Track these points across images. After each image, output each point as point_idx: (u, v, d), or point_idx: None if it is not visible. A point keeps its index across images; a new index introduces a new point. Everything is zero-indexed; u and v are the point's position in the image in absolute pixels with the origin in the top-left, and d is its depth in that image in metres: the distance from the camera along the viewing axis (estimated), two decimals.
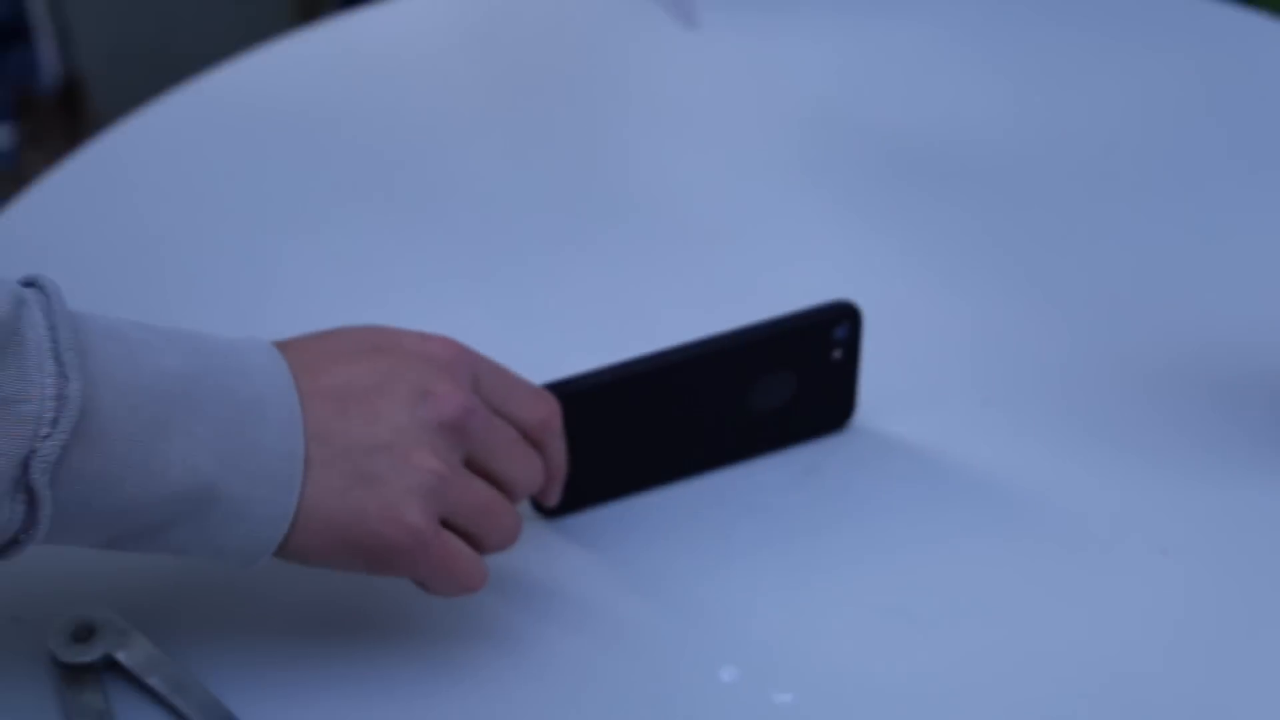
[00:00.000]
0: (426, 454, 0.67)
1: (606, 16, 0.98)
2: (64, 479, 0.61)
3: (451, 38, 1.08)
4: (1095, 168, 0.98)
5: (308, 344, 0.70)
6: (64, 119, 2.43)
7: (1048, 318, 0.89)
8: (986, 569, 0.78)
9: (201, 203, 0.96)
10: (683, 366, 0.78)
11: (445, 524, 0.68)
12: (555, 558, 0.79)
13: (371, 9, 1.11)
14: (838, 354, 0.81)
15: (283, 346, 0.68)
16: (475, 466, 0.70)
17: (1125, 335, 0.88)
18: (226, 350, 0.66)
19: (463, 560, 0.69)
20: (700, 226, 0.94)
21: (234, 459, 0.64)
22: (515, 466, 0.71)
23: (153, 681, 0.72)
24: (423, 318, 0.73)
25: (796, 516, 0.80)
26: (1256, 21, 1.08)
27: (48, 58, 2.43)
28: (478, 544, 0.70)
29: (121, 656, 0.73)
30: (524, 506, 0.75)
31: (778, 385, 0.81)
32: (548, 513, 0.79)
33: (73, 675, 0.72)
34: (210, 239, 0.93)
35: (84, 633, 0.73)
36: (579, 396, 0.75)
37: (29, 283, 0.63)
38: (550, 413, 0.73)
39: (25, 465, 0.60)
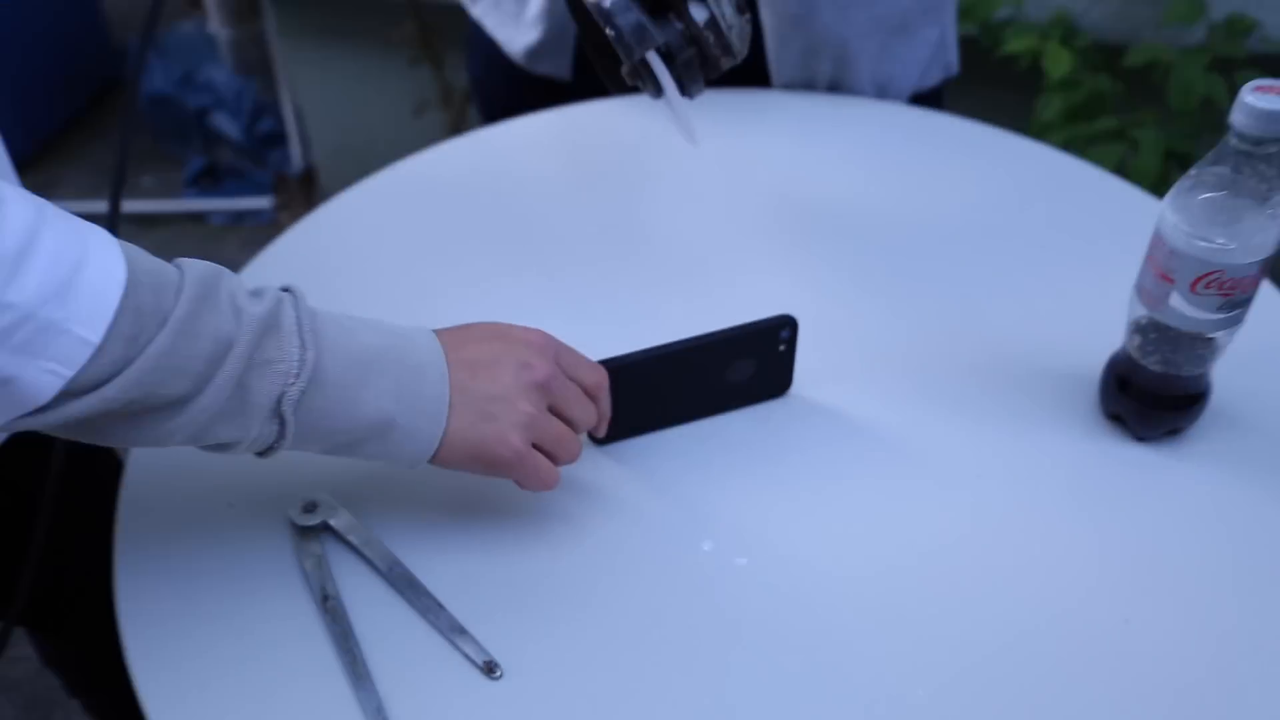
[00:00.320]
0: (524, 403, 0.69)
1: (641, 131, 1.00)
2: (301, 410, 0.64)
3: (545, 142, 1.07)
4: (944, 230, 0.98)
5: (454, 332, 0.71)
6: (304, 193, 2.43)
7: (913, 326, 0.90)
8: (873, 481, 0.80)
9: (388, 244, 0.97)
10: (685, 352, 0.80)
11: (534, 446, 0.70)
12: (601, 469, 0.80)
13: (496, 127, 1.12)
14: (782, 348, 0.83)
15: (438, 333, 0.71)
16: (554, 411, 0.72)
17: (961, 339, 0.89)
18: (403, 333, 0.69)
19: (544, 469, 0.71)
20: (699, 264, 0.94)
21: (406, 402, 0.67)
22: (579, 412, 0.73)
23: (351, 539, 0.75)
24: (527, 317, 0.75)
25: (754, 447, 0.82)
26: (1035, 147, 1.09)
27: (295, 154, 2.44)
28: (554, 459, 0.72)
29: (333, 522, 0.76)
30: (583, 438, 0.76)
31: (744, 367, 0.82)
32: (598, 442, 0.82)
33: (302, 534, 0.75)
34: (395, 268, 0.94)
35: (310, 507, 0.76)
36: (620, 369, 0.77)
37: (285, 289, 0.66)
38: (601, 379, 0.75)
39: (279, 401, 0.63)
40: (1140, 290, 0.77)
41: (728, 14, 0.82)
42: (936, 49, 1.16)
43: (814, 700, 0.67)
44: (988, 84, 1.66)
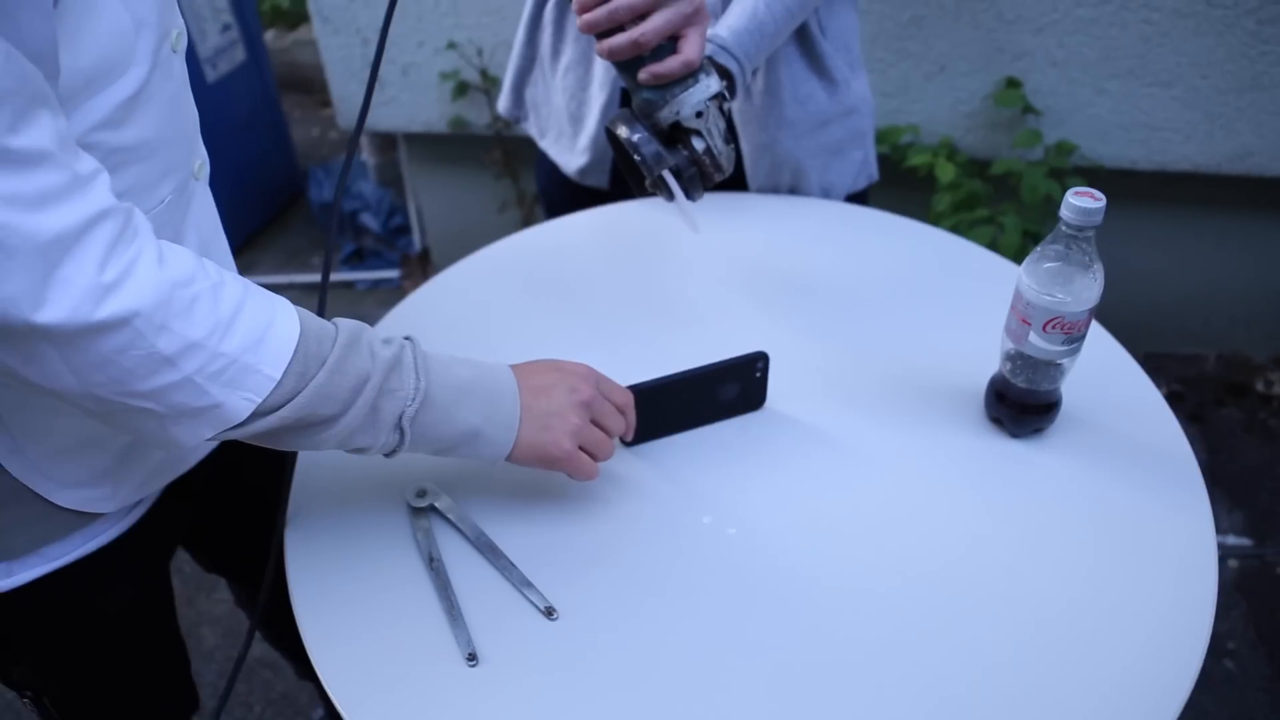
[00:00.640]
0: (573, 416, 0.68)
1: (658, 224, 0.98)
2: (415, 425, 0.63)
3: (590, 232, 1.07)
4: (872, 289, 0.96)
5: (524, 366, 0.70)
6: (421, 267, 2.44)
7: (851, 358, 0.86)
8: (824, 469, 0.77)
9: (481, 304, 0.96)
10: (688, 379, 0.78)
11: (581, 448, 0.69)
12: (629, 464, 0.78)
13: (556, 222, 1.10)
14: (758, 375, 0.81)
15: (513, 367, 0.69)
16: (595, 422, 0.70)
17: (885, 366, 0.86)
18: (488, 368, 0.67)
19: (588, 465, 0.69)
20: (698, 316, 0.91)
21: (489, 417, 0.66)
22: (613, 423, 0.71)
23: (450, 516, 0.73)
24: (576, 354, 0.73)
25: (739, 447, 0.80)
26: (933, 230, 1.07)
27: (416, 240, 2.45)
28: (595, 458, 0.70)
29: (437, 504, 0.74)
30: (616, 441, 0.75)
31: (730, 389, 0.80)
32: (627, 444, 0.79)
33: (415, 513, 0.73)
34: (486, 321, 0.93)
35: (421, 493, 0.74)
36: (642, 392, 0.75)
37: (407, 337, 0.65)
38: (629, 399, 0.73)
39: (400, 418, 0.62)
40: (1008, 330, 0.76)
41: (719, 144, 0.84)
42: (862, 164, 1.16)
43: (781, 624, 0.66)
44: (899, 186, 1.65)
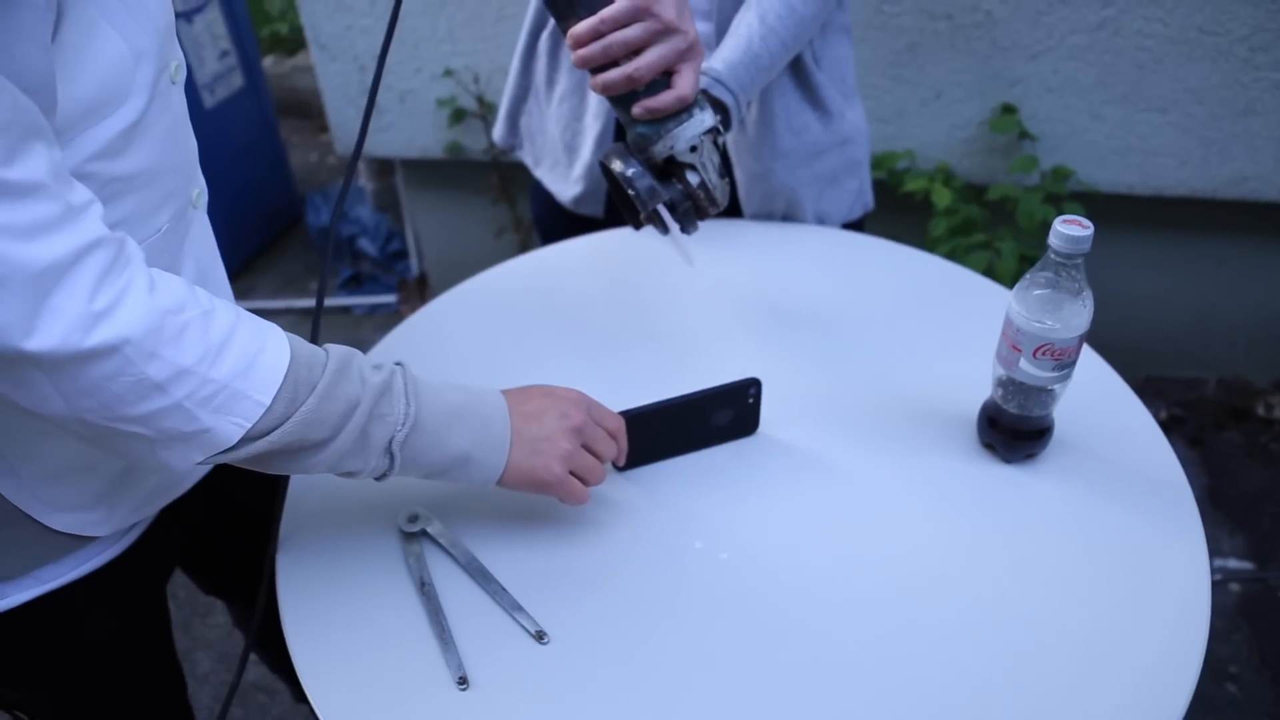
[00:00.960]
0: (564, 442, 0.68)
1: (650, 250, 0.99)
2: (405, 449, 0.63)
3: (584, 259, 1.08)
4: (866, 316, 0.96)
5: (515, 391, 0.71)
6: (418, 292, 2.45)
7: (845, 384, 0.87)
8: (817, 494, 0.78)
9: (476, 330, 0.97)
10: (680, 405, 0.78)
11: (571, 473, 0.69)
12: (621, 489, 0.79)
13: (551, 248, 1.11)
14: (750, 400, 0.81)
15: (505, 392, 0.70)
16: (586, 447, 0.70)
17: (879, 392, 0.86)
18: (479, 393, 0.68)
19: (579, 490, 0.70)
20: (691, 342, 0.92)
21: (479, 442, 0.66)
22: (604, 448, 0.71)
23: (441, 541, 0.74)
24: (569, 380, 0.74)
25: (731, 472, 0.80)
26: (928, 257, 1.07)
27: (413, 265, 2.46)
28: (585, 482, 0.70)
29: (429, 529, 0.74)
30: (608, 466, 0.76)
31: (723, 414, 0.81)
32: (619, 469, 0.80)
33: (406, 537, 0.74)
34: (481, 346, 0.93)
35: (413, 518, 0.75)
36: (633, 417, 0.76)
37: (398, 363, 0.66)
38: (620, 425, 0.74)
39: (390, 443, 0.63)
40: (999, 356, 0.77)
41: (713, 178, 0.84)
42: (857, 194, 1.17)
43: (772, 650, 0.66)
44: (895, 211, 1.67)
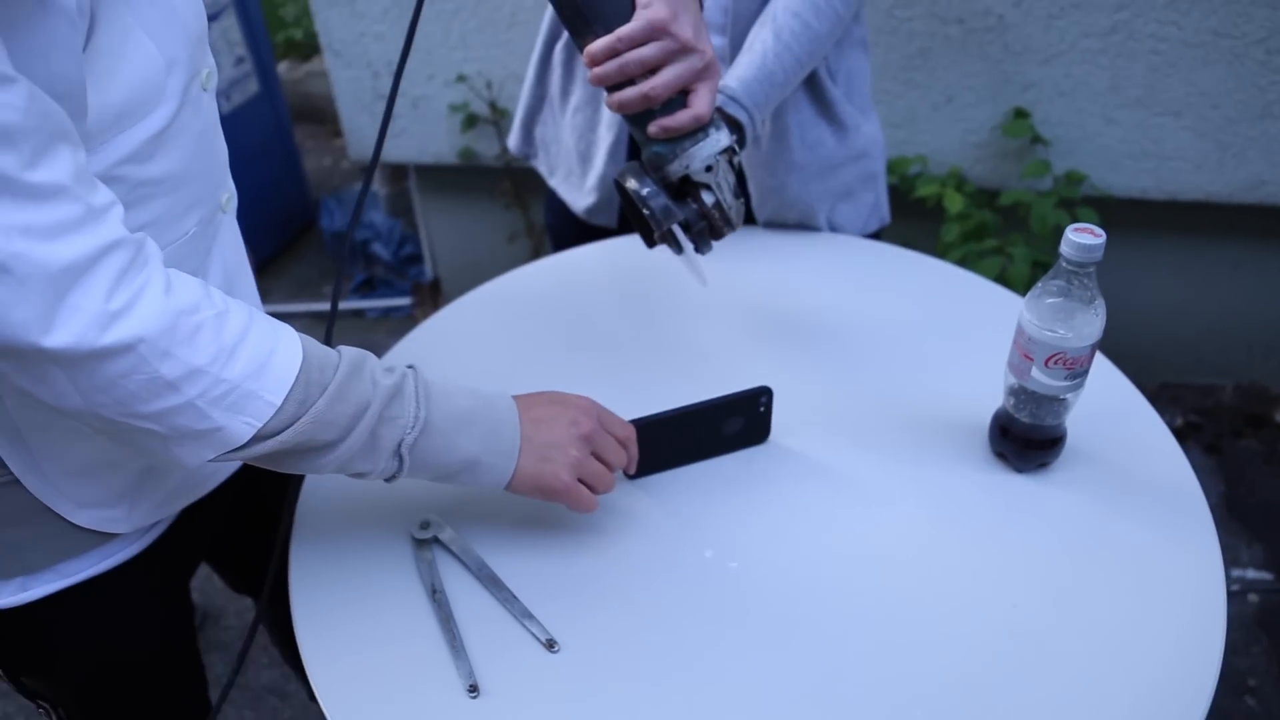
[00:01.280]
0: (573, 449, 0.69)
1: (662, 258, 0.99)
2: (414, 452, 0.64)
3: (596, 266, 1.08)
4: (878, 324, 0.96)
5: (526, 397, 0.71)
6: (432, 296, 2.46)
7: (856, 393, 0.87)
8: (828, 504, 0.77)
9: (489, 334, 0.97)
10: (691, 413, 0.79)
11: (580, 480, 0.69)
12: (632, 497, 0.79)
13: (564, 254, 1.12)
14: (762, 409, 0.81)
15: (516, 397, 0.70)
16: (596, 455, 0.71)
17: (890, 401, 0.86)
18: (490, 397, 0.68)
19: (587, 497, 0.70)
20: (703, 349, 0.92)
21: (488, 447, 0.66)
22: (613, 456, 0.72)
23: (453, 548, 0.74)
24: (579, 386, 0.74)
25: (742, 481, 0.80)
26: (940, 264, 1.07)
27: (427, 269, 2.47)
28: (594, 490, 0.70)
29: (441, 536, 0.75)
30: (618, 474, 0.75)
31: (734, 423, 0.81)
32: (630, 477, 0.80)
33: (418, 544, 0.74)
34: (494, 350, 0.94)
35: (425, 525, 0.75)
36: (644, 426, 0.76)
37: (410, 366, 0.67)
38: (631, 433, 0.74)
39: (399, 445, 0.63)
40: (1011, 365, 0.77)
41: (728, 198, 0.83)
42: (873, 207, 1.16)
43: (782, 660, 0.66)
44: (907, 217, 1.67)
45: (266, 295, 2.55)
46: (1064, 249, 0.69)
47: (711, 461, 0.82)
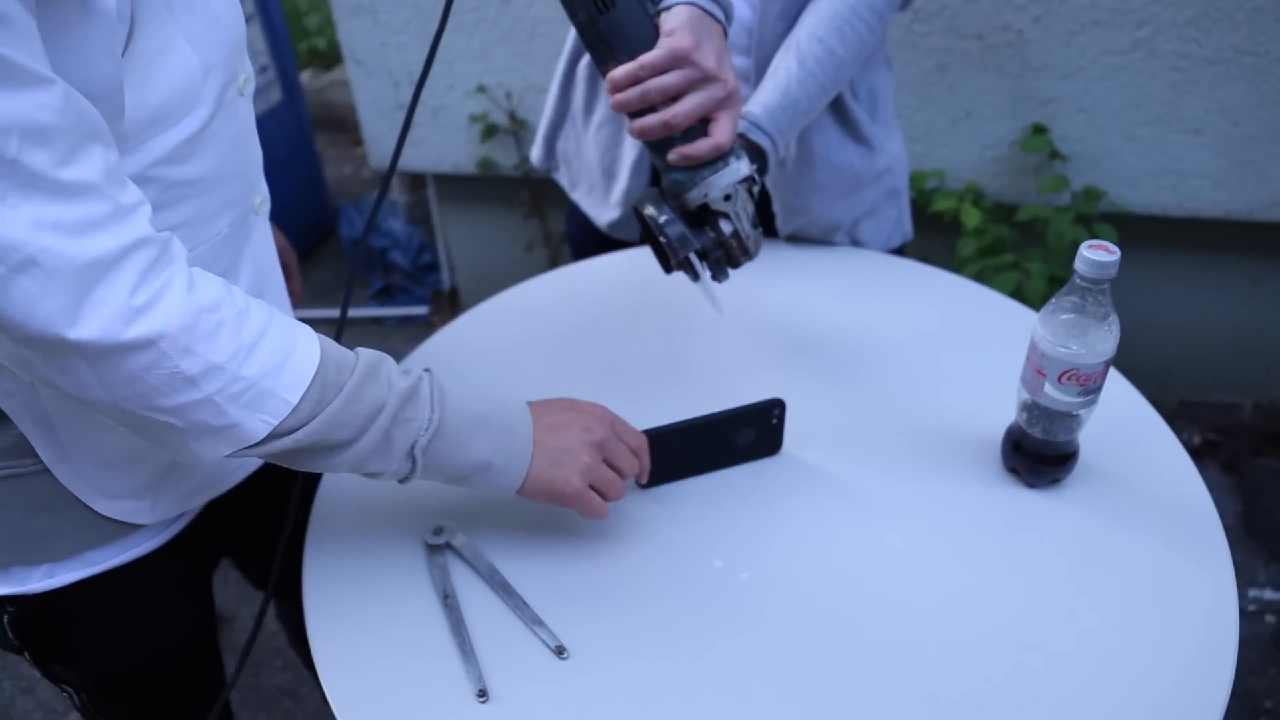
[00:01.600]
0: (585, 456, 0.69)
1: (683, 283, 0.99)
2: (427, 454, 0.65)
3: (615, 276, 1.09)
4: (893, 338, 0.96)
5: (541, 403, 0.71)
6: (450, 304, 2.48)
7: (870, 406, 0.87)
8: (839, 517, 0.77)
9: (506, 342, 0.98)
10: (704, 425, 0.79)
11: (592, 487, 0.70)
12: (643, 506, 0.79)
13: (583, 264, 1.13)
14: (774, 421, 0.82)
15: (530, 403, 0.71)
16: (608, 463, 0.71)
17: (904, 415, 0.86)
18: (504, 403, 0.69)
19: (597, 504, 0.70)
20: (717, 360, 0.93)
21: (501, 451, 0.67)
22: (625, 464, 0.72)
23: (465, 554, 0.74)
24: (594, 394, 0.75)
25: (754, 492, 0.80)
26: (956, 279, 1.07)
27: (445, 278, 2.49)
28: (604, 496, 0.71)
29: (453, 542, 0.75)
30: (631, 482, 0.76)
31: (747, 434, 0.81)
32: (642, 486, 0.80)
33: (431, 550, 0.75)
34: (510, 357, 0.95)
35: (438, 531, 0.75)
36: (656, 436, 0.76)
37: (426, 369, 0.67)
38: (643, 442, 0.74)
39: (412, 447, 0.64)
40: (1024, 381, 0.77)
41: (746, 228, 0.82)
42: (896, 224, 1.16)
43: (791, 671, 0.66)
44: (924, 231, 1.66)
45: None
46: (1078, 265, 0.69)
47: (724, 472, 0.82)
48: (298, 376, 0.58)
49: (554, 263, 2.25)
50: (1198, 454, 1.90)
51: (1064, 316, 0.71)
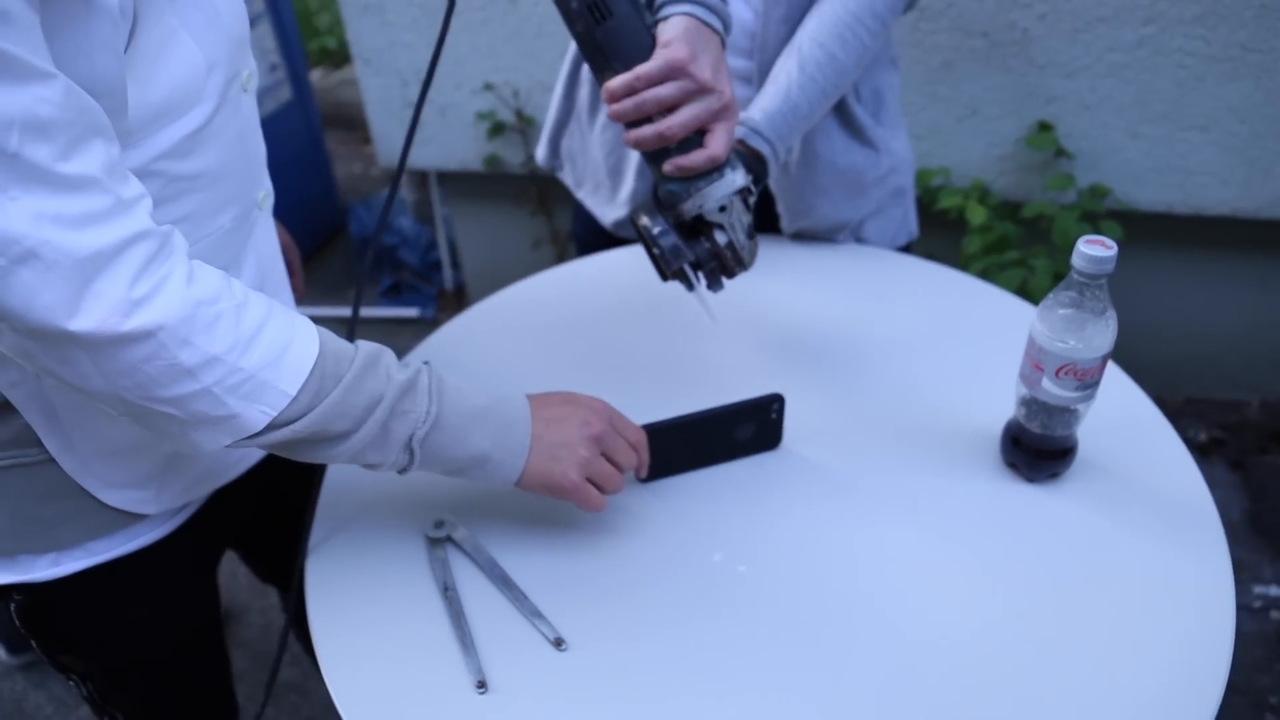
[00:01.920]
0: (582, 449, 0.69)
1: (677, 300, 1.00)
2: (425, 446, 0.65)
3: (619, 273, 1.09)
4: (894, 334, 0.96)
5: (540, 397, 0.72)
6: (457, 301, 2.49)
7: (869, 401, 0.87)
8: (838, 510, 0.78)
9: (510, 337, 0.98)
10: (703, 419, 0.79)
11: (590, 481, 0.70)
12: (642, 499, 0.79)
13: (588, 260, 1.14)
14: (774, 416, 0.82)
15: (530, 396, 0.71)
16: (606, 456, 0.71)
17: (904, 409, 0.86)
18: (503, 397, 0.70)
19: (594, 497, 0.70)
20: (717, 354, 0.93)
21: (498, 443, 0.67)
22: (623, 458, 0.72)
23: (465, 547, 0.75)
24: (595, 389, 0.75)
25: (753, 486, 0.81)
26: (959, 275, 1.07)
27: (450, 276, 2.51)
28: (602, 489, 0.71)
29: (454, 535, 0.76)
30: (630, 476, 0.77)
31: (746, 429, 0.81)
32: (640, 480, 0.80)
33: (432, 543, 0.75)
34: (513, 352, 0.95)
35: (439, 524, 0.76)
36: (655, 431, 0.77)
37: (425, 362, 0.68)
38: (641, 437, 0.74)
39: (410, 439, 0.64)
40: (1022, 375, 0.77)
41: (741, 239, 0.82)
42: (901, 223, 1.16)
43: (790, 663, 0.66)
44: (930, 228, 1.66)
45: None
46: (1076, 260, 0.69)
47: (723, 466, 0.82)
48: (296, 368, 0.59)
49: (561, 260, 2.25)
50: (1204, 451, 1.89)
51: (1062, 311, 0.71)
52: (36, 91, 0.47)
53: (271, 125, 2.61)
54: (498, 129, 2.03)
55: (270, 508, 0.92)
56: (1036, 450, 0.78)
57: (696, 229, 0.82)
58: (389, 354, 0.66)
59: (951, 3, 1.67)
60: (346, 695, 0.65)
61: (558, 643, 0.67)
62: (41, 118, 0.47)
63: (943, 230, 1.80)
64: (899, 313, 1.01)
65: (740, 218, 0.82)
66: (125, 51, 0.54)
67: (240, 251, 0.72)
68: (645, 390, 0.88)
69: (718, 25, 0.78)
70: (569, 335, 0.99)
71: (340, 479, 0.82)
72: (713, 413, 0.79)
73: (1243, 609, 1.61)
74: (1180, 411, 2.00)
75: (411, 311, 2.50)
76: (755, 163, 0.90)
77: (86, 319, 0.51)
